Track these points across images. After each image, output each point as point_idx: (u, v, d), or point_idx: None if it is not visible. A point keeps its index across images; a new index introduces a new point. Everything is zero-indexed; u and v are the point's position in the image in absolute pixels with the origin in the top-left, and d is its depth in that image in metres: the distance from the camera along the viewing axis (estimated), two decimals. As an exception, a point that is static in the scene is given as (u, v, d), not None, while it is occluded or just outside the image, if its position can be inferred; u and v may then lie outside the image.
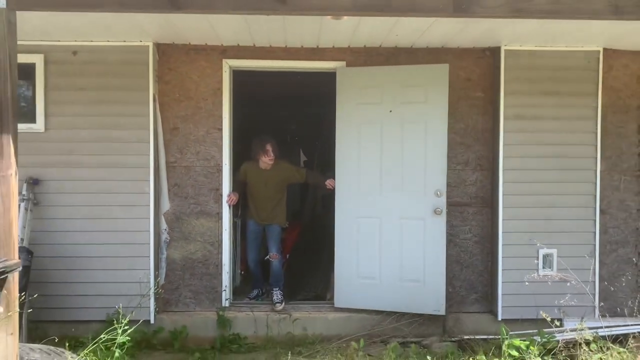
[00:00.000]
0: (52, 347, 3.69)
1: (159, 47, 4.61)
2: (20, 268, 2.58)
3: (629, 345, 3.89)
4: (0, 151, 3.11)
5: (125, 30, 4.18)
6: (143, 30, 4.19)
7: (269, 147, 4.77)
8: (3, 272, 2.35)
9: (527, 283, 4.48)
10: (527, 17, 3.24)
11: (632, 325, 4.17)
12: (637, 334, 4.09)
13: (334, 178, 4.75)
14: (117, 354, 3.68)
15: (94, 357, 3.69)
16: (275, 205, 4.96)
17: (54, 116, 4.45)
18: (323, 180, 4.95)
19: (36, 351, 3.48)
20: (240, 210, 5.33)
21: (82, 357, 3.65)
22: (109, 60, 4.48)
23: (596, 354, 3.70)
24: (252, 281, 5.13)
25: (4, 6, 3.04)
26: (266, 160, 4.79)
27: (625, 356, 3.75)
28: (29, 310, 3.91)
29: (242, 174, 4.93)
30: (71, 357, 3.48)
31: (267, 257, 4.95)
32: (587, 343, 3.79)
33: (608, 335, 4.05)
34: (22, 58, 4.26)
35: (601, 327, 4.13)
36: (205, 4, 3.05)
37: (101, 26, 4.07)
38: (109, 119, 4.49)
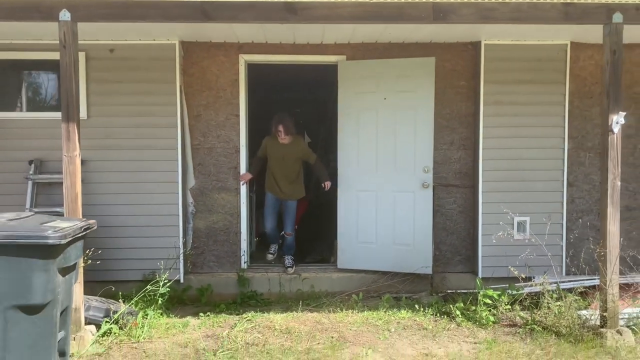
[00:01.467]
0: (104, 298, 4.56)
1: (183, 44, 5.36)
2: (95, 227, 3.37)
3: (586, 294, 4.70)
4: (67, 137, 3.90)
5: (157, 31, 4.93)
6: (172, 31, 4.95)
7: (280, 129, 5.36)
8: (87, 229, 3.14)
9: (503, 246, 5.29)
10: (493, 22, 3.99)
11: (587, 279, 4.98)
12: (594, 286, 4.88)
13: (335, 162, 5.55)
14: (159, 302, 4.54)
15: (140, 305, 4.54)
16: (292, 181, 5.51)
17: (95, 105, 5.22)
18: (324, 175, 5.55)
19: (93, 300, 4.35)
20: (255, 186, 6.13)
21: (131, 304, 4.50)
22: (141, 57, 5.23)
23: (557, 301, 4.50)
24: (270, 239, 5.75)
25: (69, 19, 3.81)
26: (280, 138, 5.41)
27: (580, 303, 4.56)
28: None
29: (263, 148, 5.53)
30: (122, 305, 4.34)
31: (282, 233, 5.66)
32: (551, 293, 4.60)
33: (570, 288, 4.86)
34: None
35: (563, 281, 4.96)
36: (231, 15, 3.83)
37: (137, 28, 4.82)
38: (142, 107, 5.27)
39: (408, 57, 5.39)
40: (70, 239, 2.88)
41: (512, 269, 4.79)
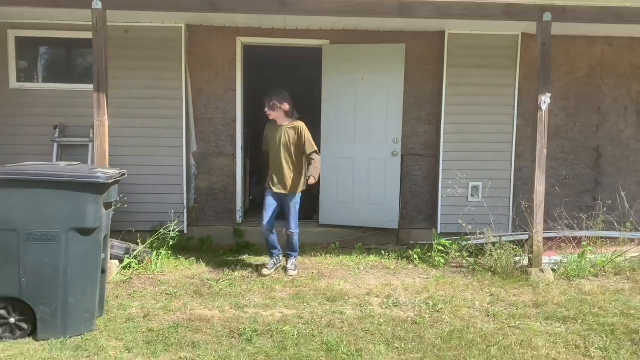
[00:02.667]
0: (122, 242, 5.50)
1: (188, 27, 6.23)
2: (127, 176, 4.28)
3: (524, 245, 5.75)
4: (98, 104, 4.81)
5: (166, 16, 5.79)
6: (179, 16, 5.81)
7: (266, 105, 5.05)
8: (122, 175, 4.05)
9: (459, 207, 6.31)
10: (448, 18, 4.95)
11: (526, 234, 6.02)
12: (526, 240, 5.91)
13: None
14: (170, 243, 5.51)
15: (154, 245, 5.50)
16: (291, 171, 5.08)
17: (112, 79, 6.00)
18: (314, 169, 5.08)
19: (115, 241, 5.29)
20: (250, 152, 7.06)
21: (146, 246, 5.46)
22: (151, 37, 6.10)
23: (498, 249, 5.53)
24: (267, 245, 5.23)
25: (100, 7, 4.69)
26: (270, 115, 5.10)
27: (517, 251, 5.59)
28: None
29: (265, 138, 5.25)
30: (139, 248, 5.29)
31: (284, 231, 5.28)
32: (494, 244, 5.62)
33: (512, 240, 5.89)
34: (86, 35, 5.97)
35: (505, 235, 6.00)
36: (234, 7, 4.73)
37: (149, 13, 5.66)
38: (152, 82, 6.15)
39: (383, 42, 6.31)
40: (112, 181, 3.81)
41: (461, 222, 5.84)
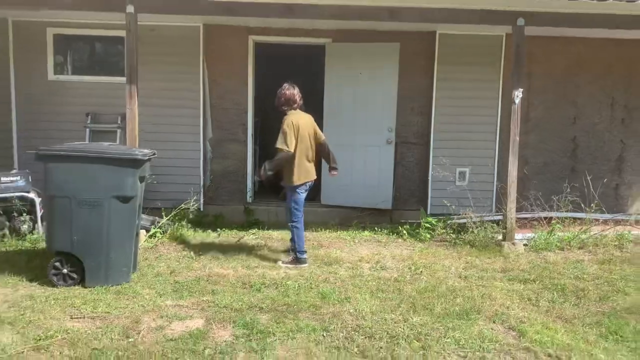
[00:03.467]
0: (148, 215, 6.32)
1: (205, 26, 7.01)
2: (156, 156, 5.07)
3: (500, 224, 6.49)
4: (130, 95, 5.62)
5: (187, 16, 6.57)
6: (198, 17, 6.59)
7: (297, 94, 5.23)
8: (154, 154, 4.85)
9: (447, 190, 7.07)
10: (432, 22, 5.72)
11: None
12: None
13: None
14: (190, 216, 6.33)
15: (176, 218, 6.32)
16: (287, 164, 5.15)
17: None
18: (331, 163, 5.57)
19: (142, 215, 6.10)
20: (259, 139, 7.85)
21: (169, 219, 6.28)
22: (174, 35, 6.89)
23: (478, 227, 6.26)
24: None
25: (132, 11, 5.48)
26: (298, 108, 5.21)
27: (496, 228, 6.33)
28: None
29: (295, 128, 5.09)
30: (163, 220, 6.11)
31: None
32: (475, 222, 6.37)
33: (492, 220, 6.64)
34: (115, 33, 6.78)
35: (487, 215, 6.76)
36: (248, 12, 5.52)
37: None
38: (174, 75, 6.95)
39: (382, 41, 7.05)
40: (147, 158, 4.61)
41: (447, 203, 6.61)
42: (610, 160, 7.46)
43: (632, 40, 7.11)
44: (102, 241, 4.43)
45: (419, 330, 3.68)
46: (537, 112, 7.34)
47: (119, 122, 6.91)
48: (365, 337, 3.55)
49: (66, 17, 6.72)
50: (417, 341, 3.51)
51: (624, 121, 7.41)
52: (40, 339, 3.45)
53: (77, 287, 4.42)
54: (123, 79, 6.80)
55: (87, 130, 6.93)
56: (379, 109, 7.10)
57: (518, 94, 5.80)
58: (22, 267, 4.83)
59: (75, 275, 4.46)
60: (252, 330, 3.63)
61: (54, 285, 4.40)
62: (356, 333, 3.62)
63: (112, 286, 4.44)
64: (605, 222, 6.70)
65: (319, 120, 7.18)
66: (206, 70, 7.12)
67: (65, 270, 4.44)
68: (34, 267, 4.83)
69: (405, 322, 3.82)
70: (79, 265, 4.44)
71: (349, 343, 3.48)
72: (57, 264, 4.45)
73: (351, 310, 4.01)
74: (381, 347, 3.42)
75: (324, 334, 3.59)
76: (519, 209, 6.88)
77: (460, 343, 3.51)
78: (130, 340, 3.47)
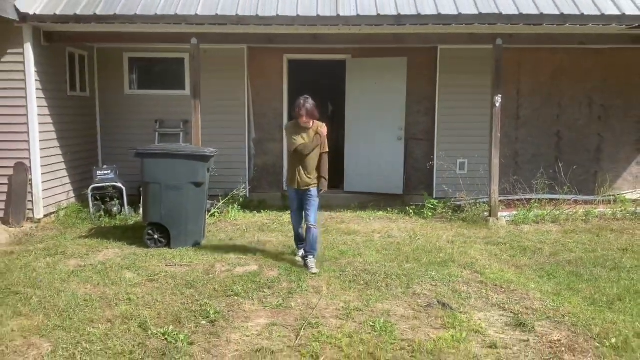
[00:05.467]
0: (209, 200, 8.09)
1: (249, 48, 8.77)
2: (218, 153, 6.82)
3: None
4: (194, 107, 7.40)
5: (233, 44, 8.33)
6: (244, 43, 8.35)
7: (301, 111, 5.31)
8: (216, 152, 6.60)
9: (450, 177, 8.62)
10: (429, 43, 7.27)
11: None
12: (501, 200, 8.18)
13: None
14: (241, 200, 8.11)
15: (229, 203, 8.10)
16: (313, 169, 5.41)
17: (192, 84, 8.71)
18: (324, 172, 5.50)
19: (202, 199, 7.87)
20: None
21: (224, 202, 8.06)
22: (223, 56, 8.67)
23: (472, 207, 7.81)
24: (295, 240, 5.82)
25: (196, 43, 7.27)
26: (301, 119, 5.34)
27: (486, 208, 7.85)
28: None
29: (288, 137, 5.51)
30: (220, 203, 7.89)
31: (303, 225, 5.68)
32: (470, 204, 7.91)
33: (486, 202, 8.16)
34: (177, 55, 8.60)
35: (481, 198, 8.29)
36: (284, 40, 7.23)
37: (223, 41, 8.24)
38: (224, 88, 8.74)
39: (392, 56, 8.66)
40: (212, 155, 6.36)
41: (447, 189, 8.19)
42: (590, 151, 8.88)
43: (606, 49, 8.49)
44: (182, 215, 6.22)
45: (407, 272, 5.31)
46: (526, 111, 8.82)
47: (181, 126, 8.75)
48: (369, 275, 5.20)
49: (138, 44, 8.58)
50: (405, 277, 5.15)
51: (600, 118, 8.81)
52: (150, 276, 5.24)
53: (164, 248, 6.21)
54: (183, 92, 8.75)
55: (157, 133, 8.78)
56: (390, 111, 8.73)
57: (498, 99, 7.34)
58: (121, 237, 6.68)
59: (163, 240, 6.26)
60: (291, 271, 5.33)
61: (147, 247, 6.21)
62: (363, 273, 5.27)
63: (190, 247, 6.22)
64: (577, 202, 8.14)
65: (342, 122, 8.87)
66: (249, 83, 8.88)
67: (156, 236, 6.26)
68: (129, 236, 6.67)
69: (399, 267, 5.46)
70: (166, 232, 6.25)
71: (357, 278, 5.14)
72: (150, 231, 6.27)
73: (361, 261, 5.68)
74: (379, 281, 5.07)
75: (340, 274, 5.27)
76: (508, 192, 8.44)
77: (435, 278, 5.13)
78: (209, 275, 5.23)
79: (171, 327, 4.00)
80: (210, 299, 4.62)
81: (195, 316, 4.26)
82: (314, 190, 5.47)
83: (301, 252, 5.67)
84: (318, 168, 5.47)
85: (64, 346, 3.73)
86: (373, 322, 4.13)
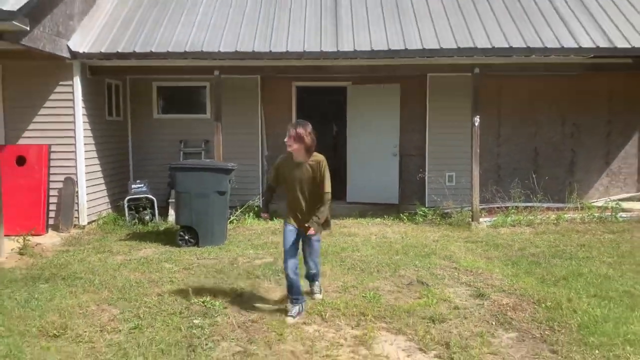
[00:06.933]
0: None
1: (262, 78, 10.12)
2: (237, 167, 8.10)
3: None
4: (217, 129, 8.74)
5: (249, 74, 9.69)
6: (256, 72, 9.70)
7: (290, 132, 4.77)
8: (236, 166, 7.87)
9: (440, 189, 9.84)
10: (419, 72, 8.59)
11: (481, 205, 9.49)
12: (484, 208, 9.38)
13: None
14: (255, 209, 9.37)
15: (245, 211, 9.36)
16: (313, 206, 4.76)
17: (214, 109, 10.04)
18: (322, 214, 4.78)
19: (222, 209, 9.16)
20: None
21: (241, 211, 9.32)
22: (240, 85, 10.02)
23: (457, 214, 9.01)
24: (290, 288, 4.81)
25: (218, 74, 8.63)
26: (288, 145, 4.72)
27: (470, 215, 9.05)
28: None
29: (274, 172, 5.08)
30: (237, 212, 9.17)
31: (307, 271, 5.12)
32: (455, 211, 9.11)
33: (469, 209, 9.35)
34: (199, 83, 9.94)
35: (466, 206, 9.49)
36: (293, 72, 8.57)
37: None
38: (240, 111, 10.06)
39: (388, 82, 9.98)
40: (233, 168, 7.64)
41: (437, 198, 9.41)
42: (564, 165, 10.09)
43: (576, 75, 9.74)
44: (209, 218, 7.47)
45: (396, 261, 6.52)
46: (506, 129, 10.08)
47: (203, 145, 10.07)
48: (364, 264, 6.41)
49: (165, 74, 9.97)
50: (393, 265, 6.35)
51: (573, 135, 10.05)
52: (185, 266, 6.47)
53: (193, 247, 7.45)
54: (204, 115, 10.10)
55: (181, 152, 10.10)
56: (387, 131, 10.02)
57: (476, 120, 8.60)
58: (154, 239, 7.93)
59: (192, 240, 7.51)
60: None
61: (179, 246, 7.45)
62: (359, 263, 6.48)
63: (215, 246, 7.46)
64: (551, 209, 9.32)
65: (345, 141, 10.13)
66: (262, 107, 10.22)
67: (186, 237, 7.51)
68: (162, 239, 7.92)
69: (389, 259, 6.67)
70: (194, 233, 7.50)
71: (354, 266, 6.34)
72: (182, 233, 7.52)
73: (358, 255, 6.89)
74: (372, 268, 6.27)
75: (341, 263, 6.48)
76: (490, 201, 9.63)
77: (418, 266, 6.33)
78: (234, 265, 6.46)
79: (208, 297, 5.22)
80: (236, 280, 5.85)
81: (225, 291, 5.48)
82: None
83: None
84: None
85: (129, 309, 4.97)
86: (365, 294, 5.34)
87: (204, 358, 4.02)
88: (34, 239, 7.44)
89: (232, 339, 4.37)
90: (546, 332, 4.40)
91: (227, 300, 5.24)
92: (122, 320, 4.75)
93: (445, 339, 4.27)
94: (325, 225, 5.04)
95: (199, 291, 5.45)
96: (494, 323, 4.63)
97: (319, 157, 4.82)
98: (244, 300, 5.26)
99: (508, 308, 4.92)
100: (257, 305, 5.13)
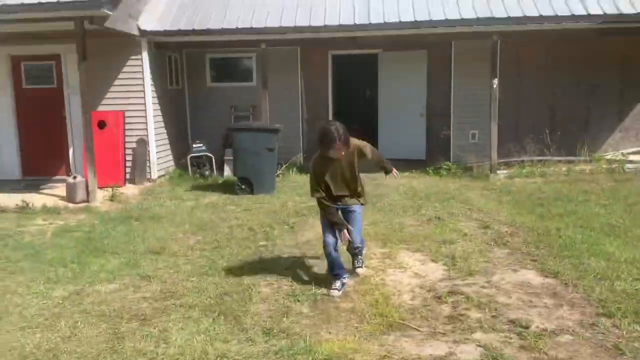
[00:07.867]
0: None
1: (301, 49, 11.35)
2: (283, 129, 9.44)
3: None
4: (264, 95, 10.10)
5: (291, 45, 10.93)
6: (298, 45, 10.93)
7: (337, 143, 4.54)
8: (282, 126, 9.22)
9: (464, 145, 10.99)
10: (448, 39, 9.69)
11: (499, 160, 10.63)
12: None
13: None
14: (299, 164, 10.79)
15: (288, 167, 10.80)
16: (355, 187, 4.91)
17: (260, 78, 11.37)
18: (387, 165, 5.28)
19: (270, 165, 10.62)
20: (335, 117, 12.18)
21: (285, 167, 10.76)
22: (282, 55, 11.27)
23: (479, 167, 10.18)
24: (332, 267, 4.81)
25: (264, 47, 9.94)
26: (338, 153, 4.60)
27: (485, 167, 10.22)
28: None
29: (314, 177, 4.94)
30: (282, 168, 10.61)
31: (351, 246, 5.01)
32: (469, 167, 10.28)
33: (489, 164, 10.50)
34: (247, 55, 11.26)
35: (486, 160, 10.63)
36: (330, 44, 9.79)
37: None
38: (282, 79, 11.36)
39: (416, 49, 11.07)
40: (280, 129, 9.00)
41: (461, 154, 10.60)
42: (579, 122, 11.05)
43: (591, 40, 10.59)
44: (261, 171, 8.91)
45: (419, 204, 7.83)
46: (526, 91, 11.06)
47: (250, 110, 11.47)
48: (392, 207, 7.75)
49: (216, 47, 11.32)
50: (416, 207, 7.67)
51: (587, 94, 10.97)
52: (245, 209, 7.95)
53: (249, 195, 8.93)
54: (251, 83, 11.46)
55: (232, 116, 11.53)
56: (414, 93, 11.19)
57: (494, 82, 9.67)
58: (215, 189, 9.44)
59: (248, 189, 8.98)
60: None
61: (237, 194, 8.94)
62: (388, 206, 7.82)
63: (267, 194, 8.91)
64: (563, 162, 10.37)
65: (377, 103, 11.36)
66: (302, 75, 11.49)
67: (243, 186, 8.99)
68: (222, 189, 9.42)
69: (413, 202, 7.98)
70: (250, 184, 8.96)
71: (384, 208, 7.69)
72: (239, 183, 9.00)
73: (388, 200, 8.22)
74: (398, 209, 7.60)
75: (372, 206, 7.80)
76: (510, 156, 10.73)
77: (437, 207, 7.63)
78: (284, 207, 7.90)
79: (268, 228, 6.69)
80: (287, 217, 7.30)
81: (280, 224, 6.94)
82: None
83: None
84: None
85: (209, 236, 6.49)
86: (391, 225, 6.70)
87: (270, 258, 5.50)
88: (118, 190, 9.07)
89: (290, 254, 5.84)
90: (532, 249, 5.67)
91: (282, 230, 6.69)
92: (205, 243, 6.27)
93: (452, 253, 5.61)
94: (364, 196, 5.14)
95: (260, 225, 6.92)
96: (492, 244, 5.92)
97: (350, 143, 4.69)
98: (294, 230, 6.71)
99: (506, 234, 6.20)
100: (304, 233, 6.56)
